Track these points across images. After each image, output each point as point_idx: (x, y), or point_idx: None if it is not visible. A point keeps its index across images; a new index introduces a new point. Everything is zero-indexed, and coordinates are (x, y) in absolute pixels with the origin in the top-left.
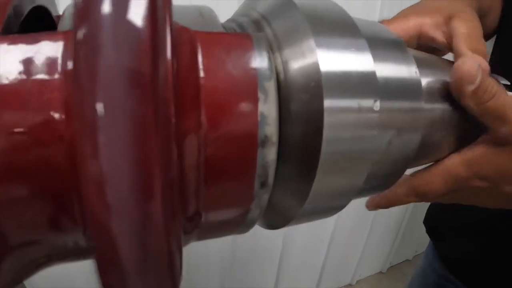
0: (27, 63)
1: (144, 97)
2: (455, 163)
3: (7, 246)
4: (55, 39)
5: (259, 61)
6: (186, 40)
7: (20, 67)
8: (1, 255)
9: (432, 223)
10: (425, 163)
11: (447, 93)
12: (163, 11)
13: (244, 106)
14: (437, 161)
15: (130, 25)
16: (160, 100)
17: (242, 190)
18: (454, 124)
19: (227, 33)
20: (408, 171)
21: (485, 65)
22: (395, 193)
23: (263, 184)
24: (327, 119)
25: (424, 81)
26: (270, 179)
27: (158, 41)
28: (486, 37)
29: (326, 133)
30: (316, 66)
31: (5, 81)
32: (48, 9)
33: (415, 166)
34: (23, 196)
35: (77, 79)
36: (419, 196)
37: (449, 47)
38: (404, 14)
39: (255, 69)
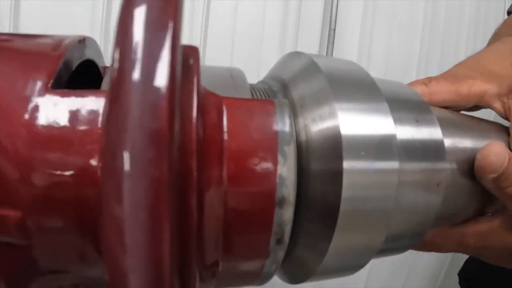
0: (74, 115)
1: (160, 152)
2: (469, 233)
3: (37, 271)
4: (98, 96)
5: (280, 126)
6: (214, 104)
7: (68, 118)
8: (30, 279)
9: (465, 274)
10: (445, 224)
11: (472, 159)
12: (188, 77)
13: (264, 168)
14: (451, 225)
15: (153, 92)
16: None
17: (258, 245)
18: (475, 189)
19: (252, 99)
20: None
21: None
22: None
23: (279, 241)
24: (346, 179)
25: (449, 143)
26: (286, 237)
27: (174, 106)
28: None
29: (345, 192)
30: (337, 130)
31: (54, 129)
32: (95, 61)
33: (436, 227)
34: (58, 228)
35: (108, 133)
36: (427, 249)
37: (506, 119)
38: (461, 75)
39: (276, 134)
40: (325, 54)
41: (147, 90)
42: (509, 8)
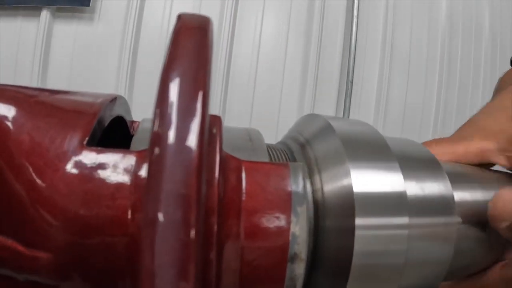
0: (107, 171)
1: (188, 212)
2: (495, 280)
3: None
4: (129, 155)
5: (294, 188)
6: (234, 168)
7: (101, 174)
8: None
9: None
10: (458, 277)
11: (484, 210)
12: (212, 145)
13: (278, 226)
14: (472, 275)
15: (185, 162)
16: (202, 214)
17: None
18: (490, 239)
19: (269, 162)
20: None
21: None
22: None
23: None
24: (358, 235)
25: (460, 196)
26: (298, 287)
27: (202, 172)
28: None
29: (357, 248)
30: (350, 189)
31: (89, 183)
32: (124, 117)
33: (448, 280)
34: (86, 272)
35: (147, 191)
36: None
37: None
38: (461, 136)
39: (289, 195)
40: (342, 107)
41: (180, 160)
42: None
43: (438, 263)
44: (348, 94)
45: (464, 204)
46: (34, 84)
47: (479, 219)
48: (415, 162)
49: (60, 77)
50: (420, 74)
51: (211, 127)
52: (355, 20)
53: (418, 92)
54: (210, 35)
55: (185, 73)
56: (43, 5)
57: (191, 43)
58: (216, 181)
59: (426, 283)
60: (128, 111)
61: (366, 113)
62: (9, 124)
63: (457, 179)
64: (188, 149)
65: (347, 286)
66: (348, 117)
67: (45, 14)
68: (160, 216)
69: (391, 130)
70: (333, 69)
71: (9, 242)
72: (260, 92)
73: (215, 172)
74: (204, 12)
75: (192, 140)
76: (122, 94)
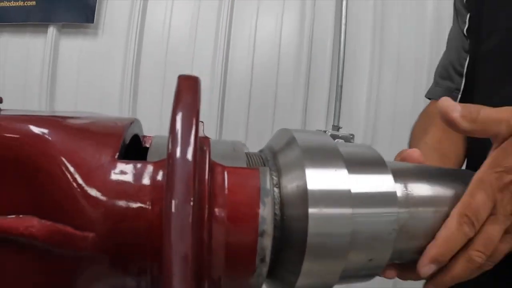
0: (133, 177)
1: (187, 202)
2: (483, 171)
3: (102, 273)
4: (149, 165)
5: (262, 185)
6: (219, 171)
7: (129, 179)
8: (98, 278)
9: None
10: (408, 258)
11: (425, 200)
12: (203, 157)
13: (251, 212)
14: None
15: (186, 168)
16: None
17: (248, 263)
18: (430, 224)
19: (245, 167)
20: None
21: None
22: (445, 233)
23: (262, 260)
24: (311, 221)
25: (402, 188)
26: (267, 258)
27: (195, 176)
28: None
29: (310, 231)
30: (305, 187)
31: (120, 185)
32: (138, 134)
33: (398, 260)
34: (118, 244)
35: (167, 188)
36: (471, 221)
37: None
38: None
39: (258, 190)
40: (333, 110)
41: (183, 167)
42: (430, 93)
43: (381, 245)
44: (338, 98)
45: (406, 195)
46: (44, 95)
47: (424, 208)
48: (362, 164)
49: (68, 89)
50: (409, 76)
51: (202, 146)
52: (343, 27)
53: (407, 94)
54: (198, 91)
55: (184, 116)
56: (49, 22)
57: (188, 99)
58: (206, 181)
59: (373, 264)
60: (141, 129)
61: (356, 116)
62: (61, 146)
63: (402, 175)
64: (188, 162)
65: (304, 260)
66: (339, 120)
67: (51, 30)
68: (173, 203)
69: (381, 132)
70: (323, 74)
71: (65, 227)
72: (255, 107)
73: (205, 175)
74: (200, 23)
75: (190, 157)
76: (127, 102)
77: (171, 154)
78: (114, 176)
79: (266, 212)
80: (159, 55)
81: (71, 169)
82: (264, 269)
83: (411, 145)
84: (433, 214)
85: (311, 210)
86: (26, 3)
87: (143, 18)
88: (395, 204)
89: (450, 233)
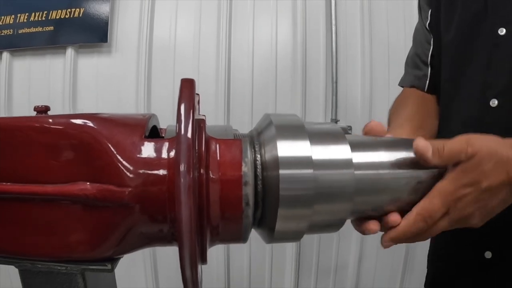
0: (155, 150)
1: (189, 166)
2: (444, 184)
3: (135, 221)
4: (166, 142)
5: (244, 149)
6: (213, 142)
7: (153, 151)
8: (132, 224)
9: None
10: (366, 213)
11: (375, 165)
12: (200, 131)
13: (237, 170)
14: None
15: (186, 142)
16: (195, 168)
17: (237, 207)
18: (383, 184)
19: (231, 139)
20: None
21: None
22: (405, 224)
23: (247, 204)
24: (281, 180)
25: (358, 155)
26: (251, 202)
27: (193, 148)
28: None
29: (281, 186)
30: (276, 154)
31: (147, 157)
32: (156, 126)
33: (358, 215)
34: (145, 198)
35: (175, 160)
36: (426, 220)
37: None
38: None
39: (241, 153)
40: (330, 105)
41: (185, 141)
42: (402, 81)
43: (341, 200)
44: (334, 93)
45: (362, 161)
46: (66, 110)
47: (376, 171)
48: (324, 137)
49: (87, 102)
50: (399, 69)
51: (200, 124)
52: (333, 28)
53: (398, 86)
54: (194, 88)
55: (185, 106)
56: (67, 44)
57: (187, 92)
58: (203, 149)
59: (336, 216)
60: (158, 122)
61: (352, 109)
62: (105, 132)
63: (359, 146)
64: (188, 138)
65: (279, 207)
66: (336, 113)
67: (69, 51)
68: (181, 167)
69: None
70: (319, 72)
71: (110, 186)
72: (258, 95)
73: (202, 144)
74: (203, 36)
75: (189, 133)
76: (142, 109)
77: (178, 133)
78: (142, 150)
79: (247, 168)
80: (168, 66)
81: (112, 147)
82: (250, 211)
83: (389, 122)
84: (384, 175)
85: (281, 171)
86: (45, 29)
87: (151, 34)
88: (351, 167)
89: (408, 226)
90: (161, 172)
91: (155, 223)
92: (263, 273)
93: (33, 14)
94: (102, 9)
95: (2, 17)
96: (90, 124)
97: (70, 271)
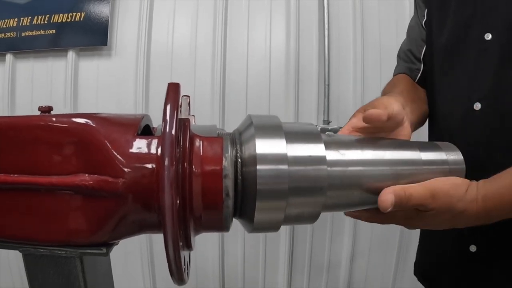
0: (146, 146)
1: (171, 161)
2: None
3: (128, 210)
4: (155, 139)
5: (224, 146)
6: (197, 139)
7: (143, 147)
8: (126, 213)
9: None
10: (342, 206)
11: (348, 163)
12: (185, 129)
13: (217, 164)
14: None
15: (170, 137)
16: (177, 162)
17: (217, 198)
18: (352, 181)
19: (214, 136)
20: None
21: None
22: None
23: (227, 195)
24: (259, 174)
25: (332, 154)
26: (231, 193)
27: (174, 145)
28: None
29: (258, 181)
30: (254, 152)
31: (139, 152)
32: (149, 125)
33: (333, 209)
34: (136, 188)
35: (161, 155)
36: (401, 199)
37: None
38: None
39: (222, 150)
40: (322, 107)
41: (169, 137)
42: (395, 71)
43: (315, 194)
44: (326, 96)
45: (335, 158)
46: (68, 110)
47: (351, 167)
48: (299, 135)
49: (88, 103)
50: (389, 71)
51: (185, 123)
52: (326, 32)
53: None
54: (179, 91)
55: (171, 106)
56: (68, 47)
57: (172, 94)
58: (186, 145)
59: (310, 209)
60: (151, 122)
61: (344, 111)
62: (102, 130)
63: (333, 144)
64: (172, 135)
65: (256, 200)
66: (328, 115)
67: (71, 54)
68: (166, 161)
69: None
70: (311, 75)
71: (106, 178)
72: (252, 98)
73: (186, 141)
74: (199, 40)
75: (173, 131)
76: (140, 111)
77: (163, 131)
78: (134, 145)
79: (227, 163)
80: (165, 68)
81: (108, 143)
82: (230, 202)
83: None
84: (358, 172)
85: (258, 167)
86: (47, 32)
87: (149, 38)
88: (324, 164)
89: (417, 192)
90: (150, 165)
91: (146, 212)
92: (256, 270)
93: (35, 17)
94: (102, 13)
95: (6, 20)
96: (90, 122)
97: (69, 255)
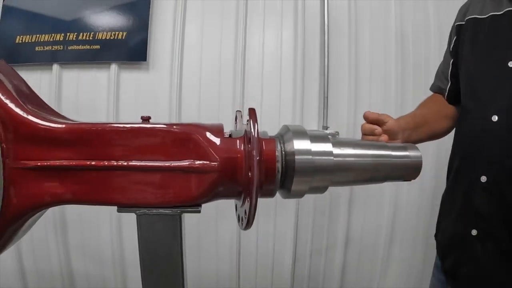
0: (231, 143)
1: (256, 152)
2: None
3: (220, 183)
4: (237, 139)
5: (276, 144)
6: (264, 142)
7: (233, 144)
8: (217, 185)
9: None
10: (345, 175)
11: (350, 155)
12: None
13: (272, 154)
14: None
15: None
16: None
17: (273, 174)
18: (357, 167)
19: (269, 138)
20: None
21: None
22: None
23: (278, 171)
24: (296, 162)
25: (337, 150)
26: (280, 170)
27: (255, 147)
28: (430, 138)
29: (297, 165)
30: (293, 148)
31: (229, 147)
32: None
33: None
34: (226, 168)
35: (249, 154)
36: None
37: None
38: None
39: (275, 146)
40: (322, 115)
41: (255, 141)
42: (430, 87)
43: (327, 174)
44: (326, 106)
45: (339, 153)
46: (110, 118)
47: (349, 159)
48: (317, 138)
49: (128, 112)
50: (379, 86)
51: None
52: (326, 54)
53: (379, 101)
54: (256, 114)
55: (253, 123)
56: (111, 61)
57: (254, 115)
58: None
59: (325, 184)
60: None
61: (340, 118)
62: (199, 133)
63: (338, 144)
64: (256, 139)
65: (294, 175)
66: (327, 122)
67: (113, 67)
68: (255, 154)
69: (359, 129)
70: (313, 88)
71: (207, 163)
72: (266, 109)
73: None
74: (223, 59)
75: (256, 135)
76: (174, 119)
77: (251, 135)
78: (224, 143)
79: (277, 154)
80: (197, 82)
81: (204, 142)
82: (279, 176)
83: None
84: (353, 162)
85: (296, 157)
86: (92, 47)
87: (182, 55)
88: (332, 156)
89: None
90: (236, 155)
91: (231, 184)
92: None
93: (81, 34)
94: (141, 34)
95: (53, 34)
96: (194, 129)
97: (173, 213)
